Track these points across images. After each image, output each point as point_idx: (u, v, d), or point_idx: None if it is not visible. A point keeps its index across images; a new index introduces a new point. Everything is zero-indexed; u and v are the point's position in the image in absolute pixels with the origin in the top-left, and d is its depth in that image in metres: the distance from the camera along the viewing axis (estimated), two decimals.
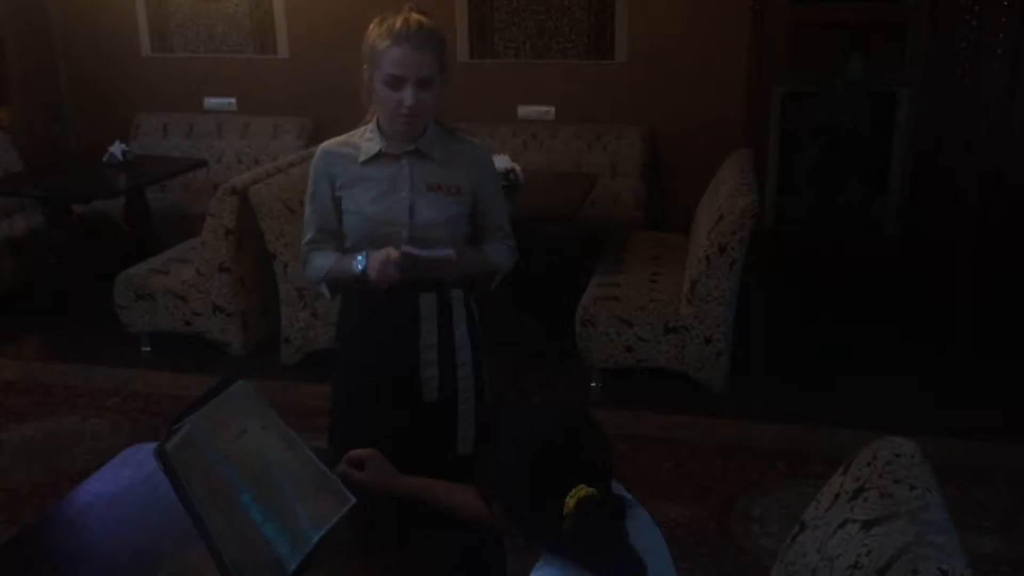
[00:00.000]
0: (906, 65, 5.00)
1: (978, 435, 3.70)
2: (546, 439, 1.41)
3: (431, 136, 2.28)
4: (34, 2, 6.05)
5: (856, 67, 4.69)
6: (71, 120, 6.35)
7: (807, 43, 5.05)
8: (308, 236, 2.38)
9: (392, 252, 2.16)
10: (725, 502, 3.31)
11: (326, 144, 2.37)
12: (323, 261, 2.35)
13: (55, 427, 3.93)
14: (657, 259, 4.63)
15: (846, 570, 1.53)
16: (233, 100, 6.09)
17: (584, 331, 4.08)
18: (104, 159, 5.22)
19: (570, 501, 1.31)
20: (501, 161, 4.62)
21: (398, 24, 2.14)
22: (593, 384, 4.13)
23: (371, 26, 2.20)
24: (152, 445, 2.10)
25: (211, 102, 6.11)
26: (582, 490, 1.31)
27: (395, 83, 2.15)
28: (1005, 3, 4.44)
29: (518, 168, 4.62)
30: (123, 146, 5.30)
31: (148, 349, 4.64)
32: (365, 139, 2.30)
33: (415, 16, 2.17)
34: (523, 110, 5.64)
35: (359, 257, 2.24)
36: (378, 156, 2.27)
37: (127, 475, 2.13)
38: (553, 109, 5.60)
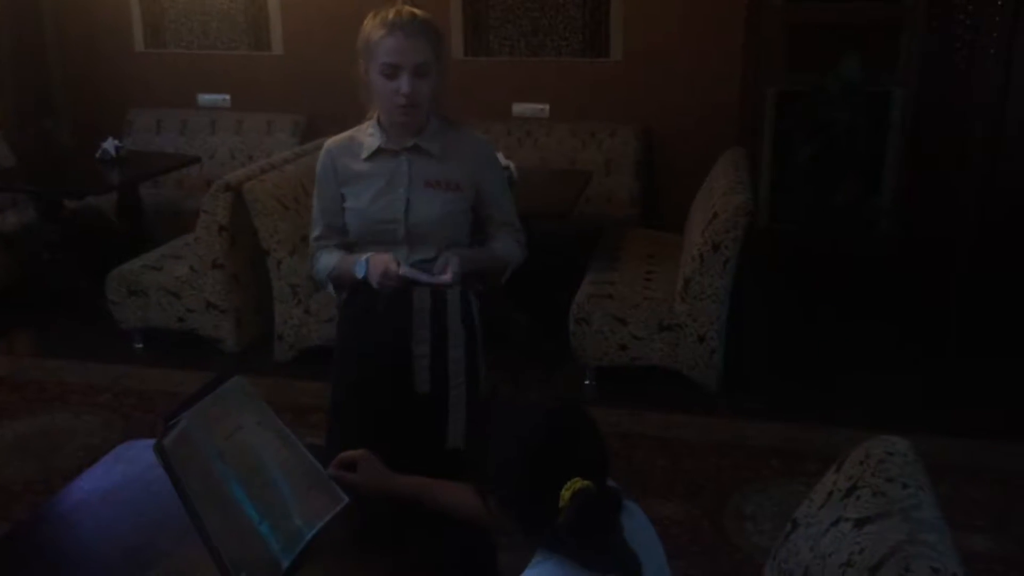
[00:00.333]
0: (900, 65, 5.01)
1: (972, 434, 3.72)
2: (544, 436, 1.41)
3: (432, 130, 2.28)
4: None
5: (851, 66, 4.70)
6: (64, 116, 6.33)
7: (802, 42, 5.06)
8: (316, 232, 2.40)
9: (392, 266, 2.18)
10: (719, 500, 3.31)
11: (330, 141, 2.38)
12: (328, 260, 2.37)
13: (47, 424, 3.92)
14: (651, 257, 4.63)
15: (839, 568, 1.53)
16: (227, 96, 6.08)
17: (578, 329, 4.08)
18: (97, 155, 5.21)
19: (565, 494, 1.31)
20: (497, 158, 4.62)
21: (391, 15, 2.17)
22: (587, 382, 4.14)
23: (365, 21, 2.22)
24: (145, 442, 2.10)
25: (205, 98, 6.10)
26: (577, 483, 1.32)
27: (391, 72, 2.16)
28: (999, 3, 4.44)
29: (513, 165, 4.61)
30: (116, 142, 5.28)
31: (141, 346, 4.63)
32: (367, 135, 2.31)
33: (408, 8, 2.19)
34: (518, 108, 5.64)
35: (360, 263, 2.25)
36: (378, 152, 2.28)
37: (120, 471, 2.12)
38: (548, 107, 5.60)
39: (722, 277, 3.87)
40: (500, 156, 4.59)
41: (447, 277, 2.17)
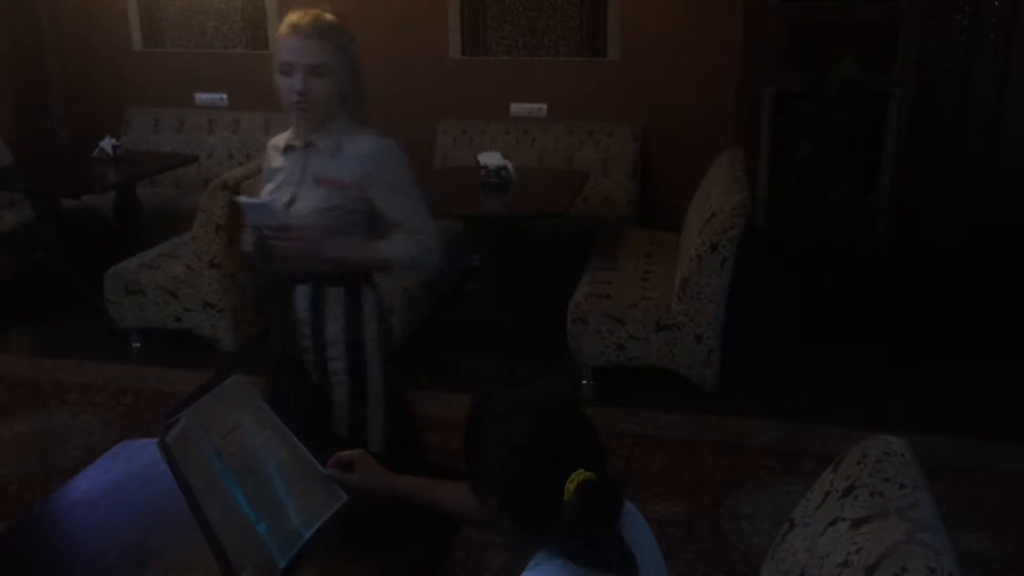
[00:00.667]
0: (898, 65, 5.02)
1: (969, 434, 3.72)
2: (541, 434, 1.40)
3: (331, 129, 2.37)
4: None
5: (848, 67, 4.70)
6: (61, 115, 6.32)
7: (799, 42, 5.07)
8: None
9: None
10: (715, 500, 3.31)
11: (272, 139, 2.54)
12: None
13: (44, 423, 3.92)
14: (649, 257, 4.63)
15: (836, 568, 1.54)
16: (224, 96, 6.07)
17: (575, 329, 4.08)
18: (94, 154, 5.20)
19: (570, 487, 1.31)
20: (493, 158, 4.64)
21: (297, 16, 2.30)
22: (584, 382, 4.13)
23: None
24: (143, 441, 2.10)
25: (202, 97, 6.09)
26: (581, 474, 1.32)
27: (287, 70, 2.30)
28: (996, 3, 4.46)
29: (510, 165, 4.63)
30: (113, 141, 5.28)
31: (138, 345, 4.63)
32: (288, 132, 2.46)
33: (315, 11, 2.31)
34: (515, 107, 5.64)
35: (243, 200, 2.37)
36: (287, 148, 2.42)
37: (118, 470, 2.12)
38: (545, 107, 5.60)
39: (719, 277, 3.88)
40: (497, 156, 4.65)
41: (310, 232, 2.28)
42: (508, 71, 5.58)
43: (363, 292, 2.45)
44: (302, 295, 2.41)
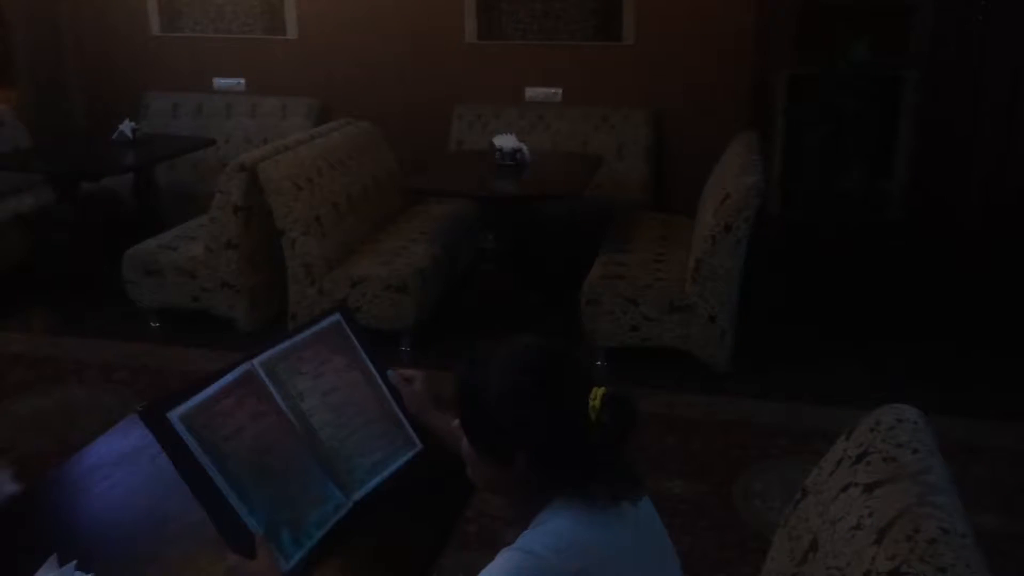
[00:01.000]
0: (911, 48, 5.00)
1: (980, 415, 3.74)
2: (548, 367, 1.44)
3: None
4: None
5: (861, 50, 4.70)
6: (80, 99, 6.37)
7: (813, 26, 5.06)
8: None
9: None
10: (728, 478, 3.33)
11: None
12: None
13: (64, 400, 3.97)
14: (663, 239, 4.65)
15: (848, 532, 1.55)
16: (242, 80, 6.11)
17: (589, 310, 4.10)
18: (114, 136, 5.25)
19: (595, 403, 1.35)
20: (508, 140, 4.65)
21: None
22: (598, 363, 4.15)
23: None
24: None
25: (220, 82, 6.13)
26: (599, 390, 1.37)
27: None
28: None
29: (525, 147, 4.65)
30: (132, 124, 5.32)
31: (156, 324, 4.68)
32: None
33: None
34: (530, 92, 5.65)
35: None
36: None
37: (135, 436, 2.13)
38: (560, 91, 5.61)
39: (733, 258, 3.89)
40: (512, 138, 4.66)
41: None
42: (523, 55, 5.59)
43: None
44: None
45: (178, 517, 1.82)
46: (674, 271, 4.19)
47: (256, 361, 1.76)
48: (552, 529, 1.39)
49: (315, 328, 1.91)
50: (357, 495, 1.78)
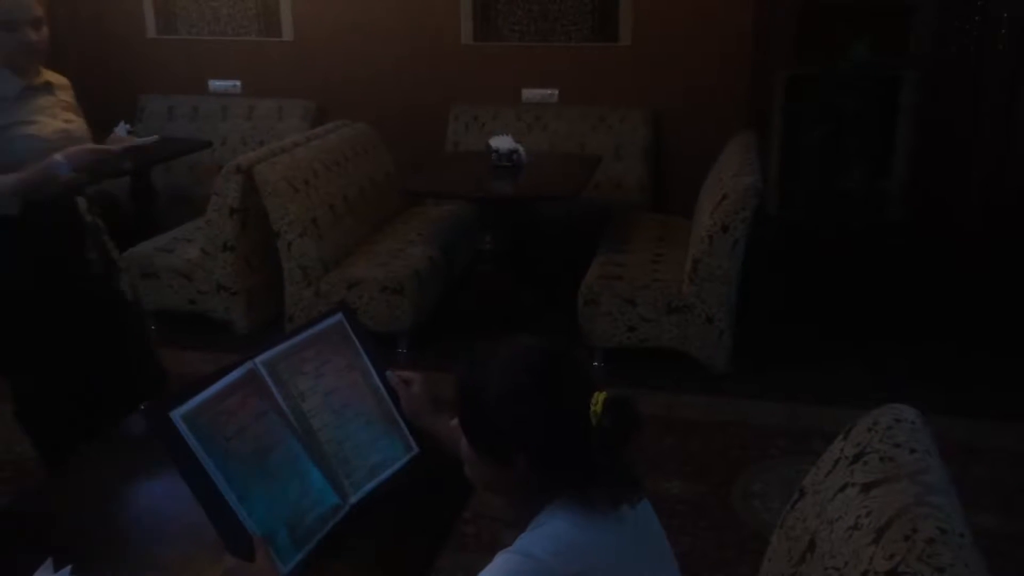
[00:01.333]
0: (911, 48, 5.00)
1: (979, 415, 3.73)
2: (549, 368, 1.42)
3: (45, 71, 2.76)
4: None
5: (861, 50, 4.69)
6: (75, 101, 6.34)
7: (812, 25, 5.05)
8: None
9: (108, 146, 2.79)
10: (726, 478, 3.33)
11: None
12: (5, 180, 2.58)
13: None
14: (660, 240, 4.65)
15: (846, 531, 1.54)
16: (238, 82, 6.10)
17: (587, 310, 4.10)
18: (109, 139, 5.22)
19: (596, 407, 1.35)
20: (505, 141, 4.65)
21: None
22: (596, 364, 4.15)
23: None
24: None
25: (216, 84, 6.12)
26: (601, 394, 1.37)
27: (11, 26, 2.59)
28: None
29: (521, 149, 4.64)
30: (128, 126, 5.28)
31: (153, 327, 4.65)
32: (2, 80, 2.66)
33: None
34: (527, 92, 5.65)
35: (59, 164, 2.59)
36: (26, 90, 2.70)
37: (131, 439, 2.14)
38: (557, 92, 5.60)
39: (731, 258, 3.88)
40: (509, 139, 4.66)
41: (154, 137, 3.06)
42: (520, 56, 5.58)
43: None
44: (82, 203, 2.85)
45: (175, 520, 1.82)
46: (672, 272, 4.19)
47: (258, 360, 1.75)
48: (551, 532, 1.38)
49: (317, 328, 1.91)
50: (355, 498, 1.78)
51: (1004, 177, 4.93)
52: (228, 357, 1.87)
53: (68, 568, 1.60)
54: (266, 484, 1.64)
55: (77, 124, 2.89)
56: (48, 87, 2.82)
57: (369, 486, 1.81)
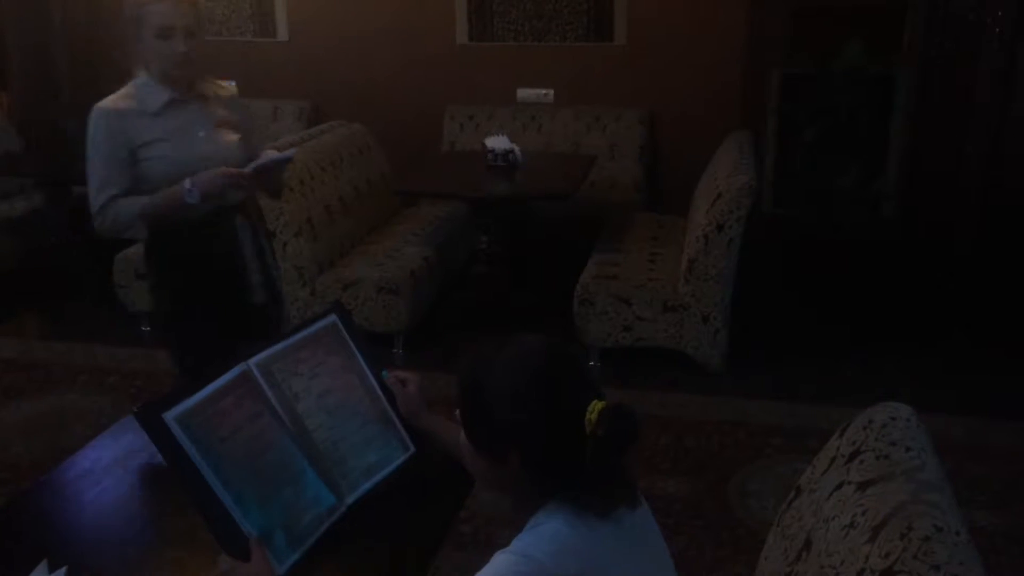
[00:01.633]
0: (905, 48, 5.00)
1: (974, 412, 3.74)
2: (550, 371, 1.42)
3: (201, 82, 2.62)
4: None
5: (855, 50, 4.70)
6: (69, 102, 6.33)
7: (806, 25, 5.05)
8: (110, 193, 2.58)
9: (237, 172, 2.48)
10: (722, 477, 3.33)
11: (105, 105, 2.61)
12: (133, 203, 2.54)
13: (56, 404, 3.95)
14: (655, 239, 4.65)
15: (842, 530, 1.54)
16: (233, 83, 6.07)
17: (582, 310, 4.10)
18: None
19: (591, 416, 1.34)
20: (500, 141, 4.65)
21: None
22: (592, 363, 4.15)
23: None
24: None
25: None
26: (598, 404, 1.35)
27: (166, 33, 2.45)
28: None
29: (517, 148, 4.64)
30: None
31: (148, 328, 4.66)
32: (146, 93, 2.54)
33: None
34: (522, 92, 5.64)
35: (187, 189, 2.45)
36: (169, 104, 2.53)
37: (126, 440, 2.13)
38: (552, 92, 5.60)
39: (726, 257, 3.89)
40: (504, 139, 4.66)
41: (292, 151, 2.65)
42: (515, 56, 5.58)
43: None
44: (242, 227, 2.67)
45: (170, 521, 1.81)
46: (667, 271, 4.19)
47: (252, 362, 1.75)
48: (549, 533, 1.38)
49: (311, 329, 1.90)
50: (351, 498, 1.78)
51: (999, 175, 4.94)
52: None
53: (63, 569, 1.60)
54: (261, 485, 1.64)
55: (225, 143, 2.61)
56: (200, 100, 2.60)
57: (365, 486, 1.81)
